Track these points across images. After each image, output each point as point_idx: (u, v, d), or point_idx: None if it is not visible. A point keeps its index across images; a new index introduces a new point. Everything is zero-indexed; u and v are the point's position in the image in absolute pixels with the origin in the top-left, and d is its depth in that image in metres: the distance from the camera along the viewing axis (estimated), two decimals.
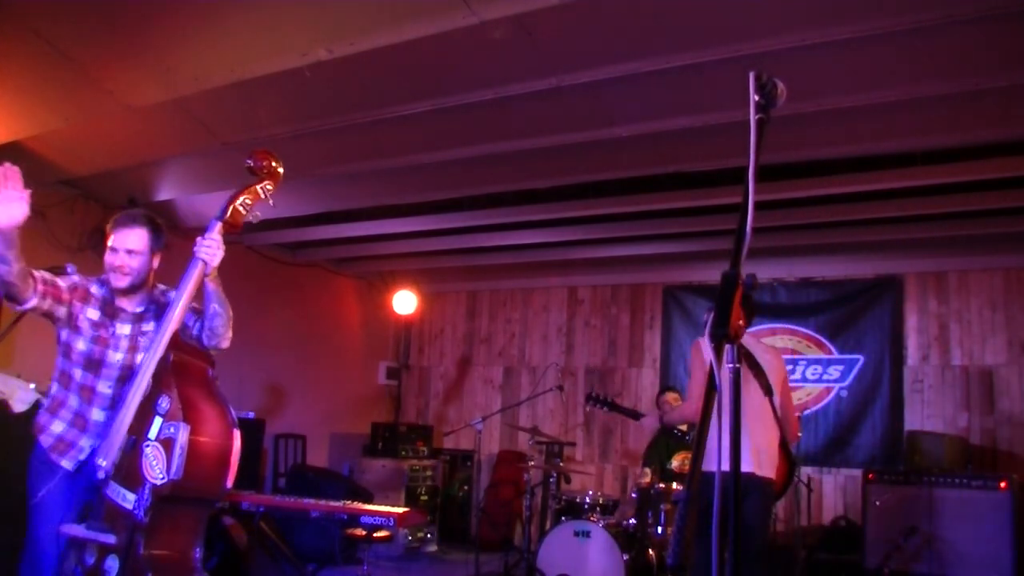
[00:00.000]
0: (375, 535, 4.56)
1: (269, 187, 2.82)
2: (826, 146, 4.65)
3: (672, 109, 4.19)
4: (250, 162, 2.78)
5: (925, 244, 6.51)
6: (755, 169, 1.54)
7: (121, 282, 2.89)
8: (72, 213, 5.96)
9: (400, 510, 4.36)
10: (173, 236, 6.90)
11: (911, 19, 3.20)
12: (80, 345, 2.87)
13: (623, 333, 8.29)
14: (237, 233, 2.83)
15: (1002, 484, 5.33)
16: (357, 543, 5.60)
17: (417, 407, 9.26)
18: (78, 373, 2.89)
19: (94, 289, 2.95)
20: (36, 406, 3.11)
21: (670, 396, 6.12)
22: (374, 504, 5.10)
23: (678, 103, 4.12)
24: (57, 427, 2.88)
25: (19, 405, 4.30)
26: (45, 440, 2.87)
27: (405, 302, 8.77)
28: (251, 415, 6.88)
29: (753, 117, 1.59)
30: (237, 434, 2.52)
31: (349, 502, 4.78)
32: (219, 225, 2.74)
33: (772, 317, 7.42)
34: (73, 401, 2.90)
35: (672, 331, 8.00)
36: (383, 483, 7.45)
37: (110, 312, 2.95)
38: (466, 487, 8.21)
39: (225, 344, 2.93)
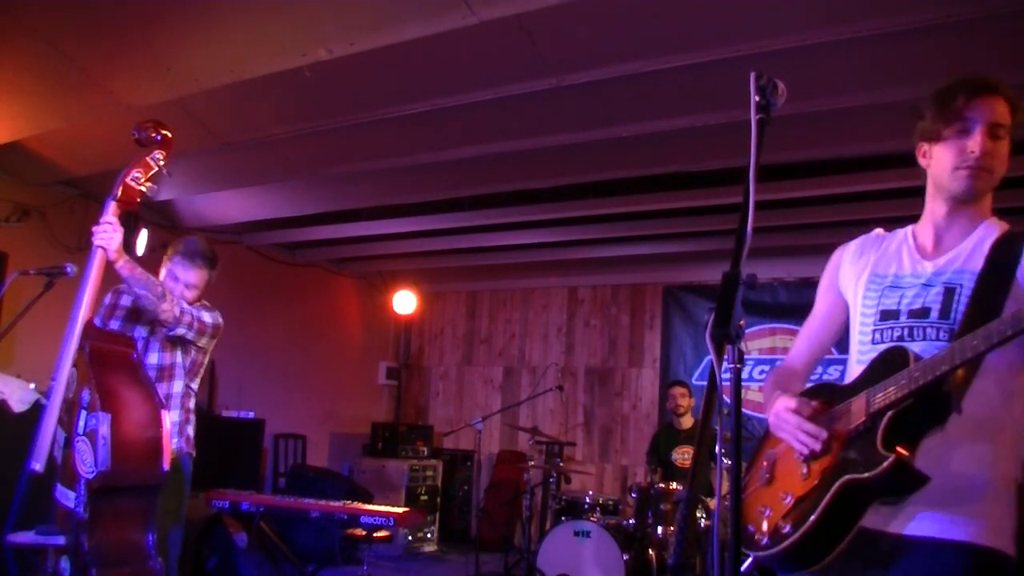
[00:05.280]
0: (375, 535, 4.56)
1: (160, 157, 2.77)
2: (826, 146, 4.65)
3: (672, 109, 4.19)
4: (136, 133, 2.74)
5: None
6: (756, 169, 1.53)
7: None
8: (72, 213, 5.96)
9: (400, 510, 4.37)
10: (173, 236, 6.92)
11: (911, 19, 3.20)
12: None
13: (623, 333, 8.29)
14: (136, 210, 2.77)
15: None
16: (357, 543, 5.59)
17: (417, 407, 9.26)
18: None
19: (124, 301, 3.12)
20: (35, 406, 3.13)
21: (677, 391, 6.10)
22: (374, 504, 5.10)
23: (678, 103, 4.12)
24: None
25: (18, 405, 4.31)
26: None
27: (405, 302, 8.77)
28: (251, 415, 6.88)
29: (753, 117, 1.59)
30: (165, 415, 2.50)
31: (349, 502, 4.78)
32: (113, 205, 2.69)
33: (772, 317, 7.41)
34: None
35: (672, 331, 7.99)
36: (383, 483, 7.45)
37: (133, 316, 3.08)
38: (466, 487, 8.21)
39: (164, 317, 2.87)
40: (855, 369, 1.78)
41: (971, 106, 1.70)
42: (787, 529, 1.62)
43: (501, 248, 7.54)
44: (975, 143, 1.66)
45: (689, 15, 3.36)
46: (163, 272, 3.17)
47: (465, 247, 7.48)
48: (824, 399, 1.78)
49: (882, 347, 1.72)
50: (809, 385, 1.96)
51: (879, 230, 2.00)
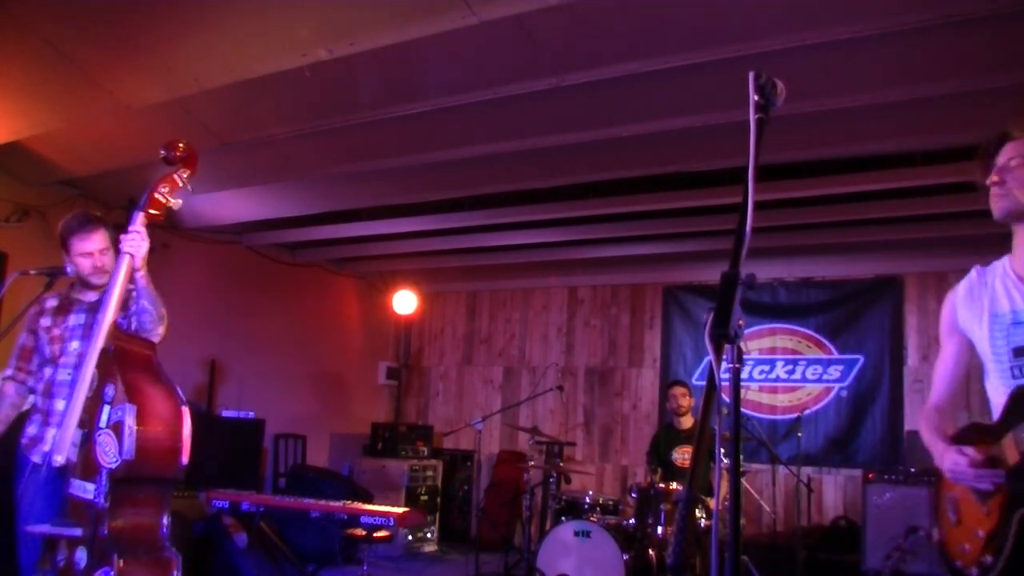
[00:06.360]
0: (375, 535, 4.56)
1: (185, 174, 2.91)
2: (826, 146, 4.65)
3: (672, 109, 4.19)
4: (163, 152, 2.87)
5: (925, 244, 6.51)
6: (755, 169, 1.54)
7: (103, 278, 3.06)
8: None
9: (400, 510, 4.36)
10: (173, 236, 6.91)
11: (911, 19, 3.20)
12: (43, 350, 3.10)
13: (623, 333, 8.29)
14: (160, 222, 2.90)
15: None
16: (357, 543, 5.60)
17: (417, 407, 9.26)
18: (44, 372, 3.08)
19: (49, 303, 3.15)
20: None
21: (677, 391, 6.10)
22: (374, 504, 5.10)
23: (678, 103, 4.12)
24: (31, 429, 3.06)
25: None
26: (23, 442, 3.05)
27: (405, 302, 8.77)
28: (251, 415, 6.88)
29: (753, 117, 1.59)
30: (186, 412, 2.58)
31: (349, 502, 4.78)
32: (141, 216, 2.80)
33: (772, 317, 7.41)
34: (39, 401, 3.06)
35: (672, 331, 8.00)
36: (383, 483, 7.45)
37: (64, 308, 3.11)
38: (466, 487, 8.21)
39: (155, 339, 2.92)
40: (1000, 402, 2.03)
41: (996, 156, 2.14)
42: (990, 560, 1.93)
43: (501, 248, 7.55)
44: (990, 178, 2.08)
45: (689, 15, 3.36)
46: (68, 261, 3.12)
47: (465, 247, 7.48)
48: (977, 438, 2.03)
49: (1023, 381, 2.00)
50: (960, 426, 2.18)
51: (977, 268, 2.25)
